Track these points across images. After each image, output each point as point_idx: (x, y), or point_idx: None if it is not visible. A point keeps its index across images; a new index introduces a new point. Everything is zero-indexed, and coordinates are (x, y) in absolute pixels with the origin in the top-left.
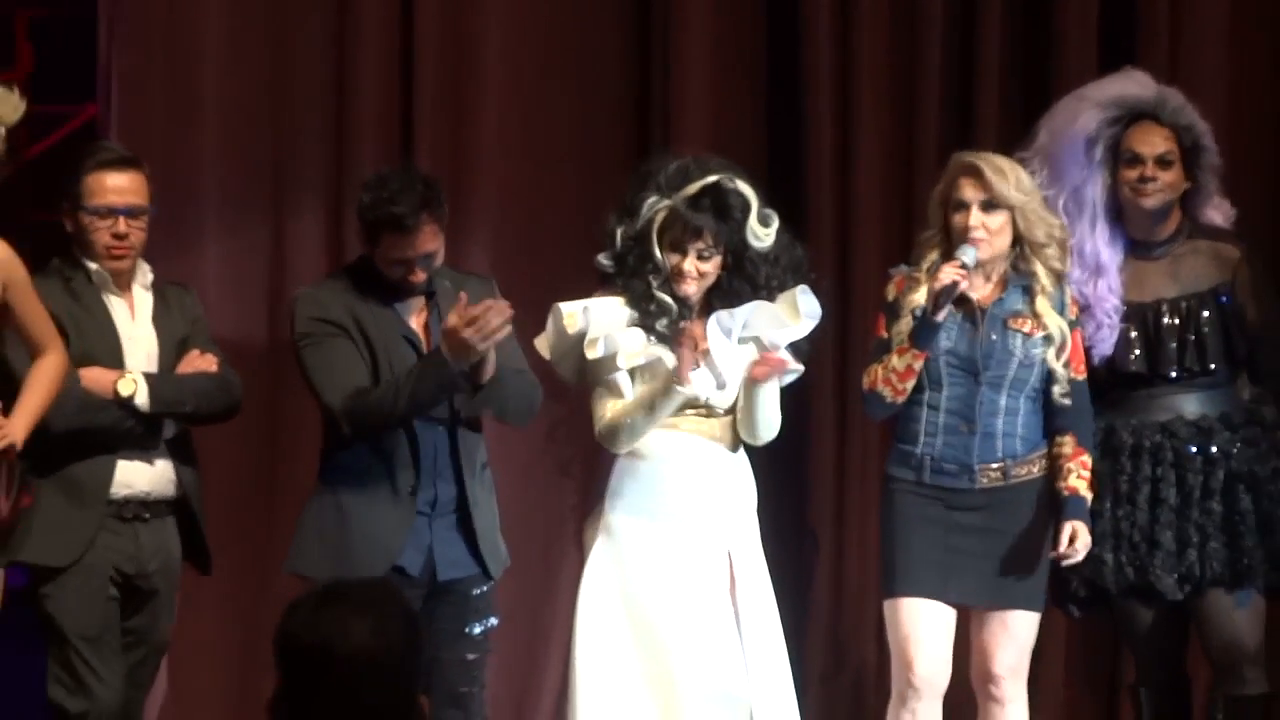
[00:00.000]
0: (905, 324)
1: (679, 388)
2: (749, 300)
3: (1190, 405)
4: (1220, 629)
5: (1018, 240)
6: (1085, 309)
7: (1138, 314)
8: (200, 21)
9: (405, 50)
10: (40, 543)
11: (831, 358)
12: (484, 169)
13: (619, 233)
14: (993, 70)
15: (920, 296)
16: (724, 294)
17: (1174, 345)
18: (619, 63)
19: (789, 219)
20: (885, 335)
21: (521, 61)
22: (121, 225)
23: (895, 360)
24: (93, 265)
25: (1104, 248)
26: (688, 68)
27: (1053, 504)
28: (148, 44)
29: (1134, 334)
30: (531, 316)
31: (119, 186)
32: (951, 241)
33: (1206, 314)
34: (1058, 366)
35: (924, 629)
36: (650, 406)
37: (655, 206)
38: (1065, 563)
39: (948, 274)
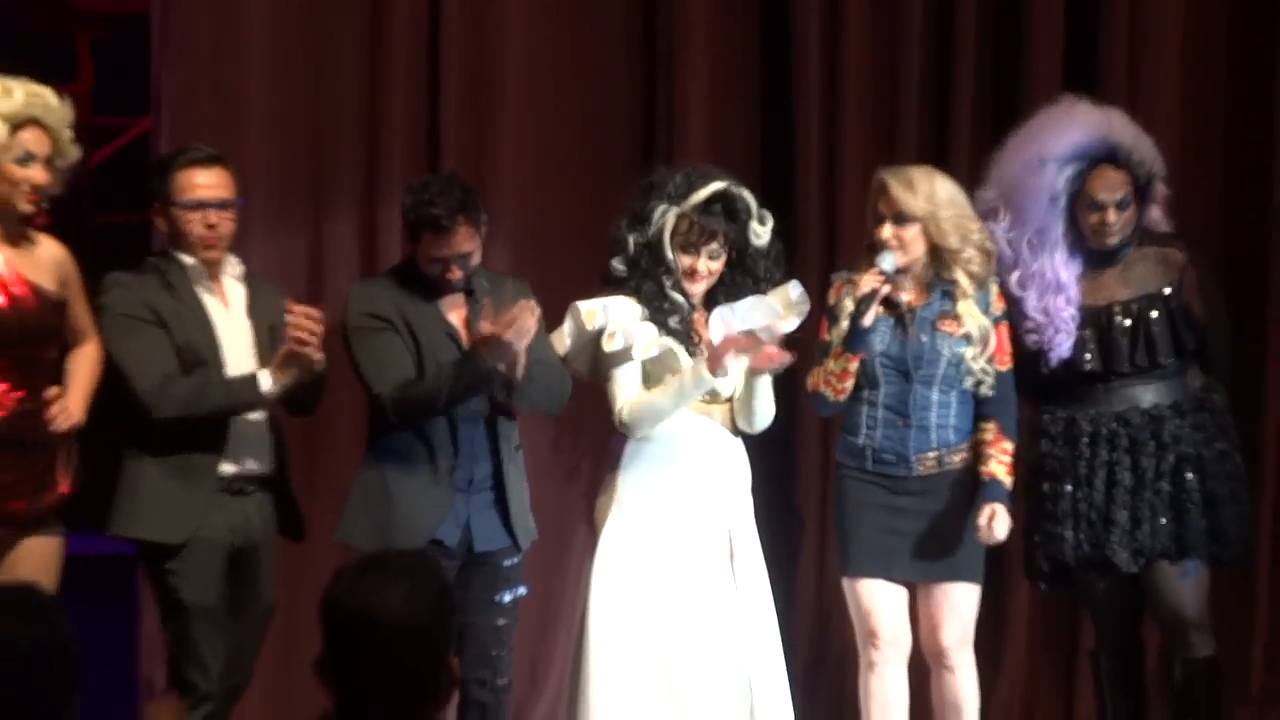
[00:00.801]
0: (843, 328)
1: (709, 376)
2: (749, 293)
3: (1144, 396)
4: (1169, 598)
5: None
6: (1046, 319)
7: (1092, 317)
8: (244, 43)
9: (432, 69)
10: (156, 520)
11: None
12: (503, 175)
13: (631, 240)
14: (966, 87)
15: (852, 302)
16: (727, 288)
17: (1126, 343)
18: (627, 79)
19: (779, 221)
20: (827, 338)
21: (537, 78)
22: (212, 217)
23: (832, 364)
24: (188, 260)
25: (1062, 269)
26: (689, 83)
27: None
28: (196, 63)
29: (1089, 337)
30: (545, 311)
31: (207, 182)
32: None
33: (1155, 314)
34: (979, 363)
35: (881, 601)
36: (679, 393)
37: (666, 214)
38: (985, 542)
39: (867, 282)
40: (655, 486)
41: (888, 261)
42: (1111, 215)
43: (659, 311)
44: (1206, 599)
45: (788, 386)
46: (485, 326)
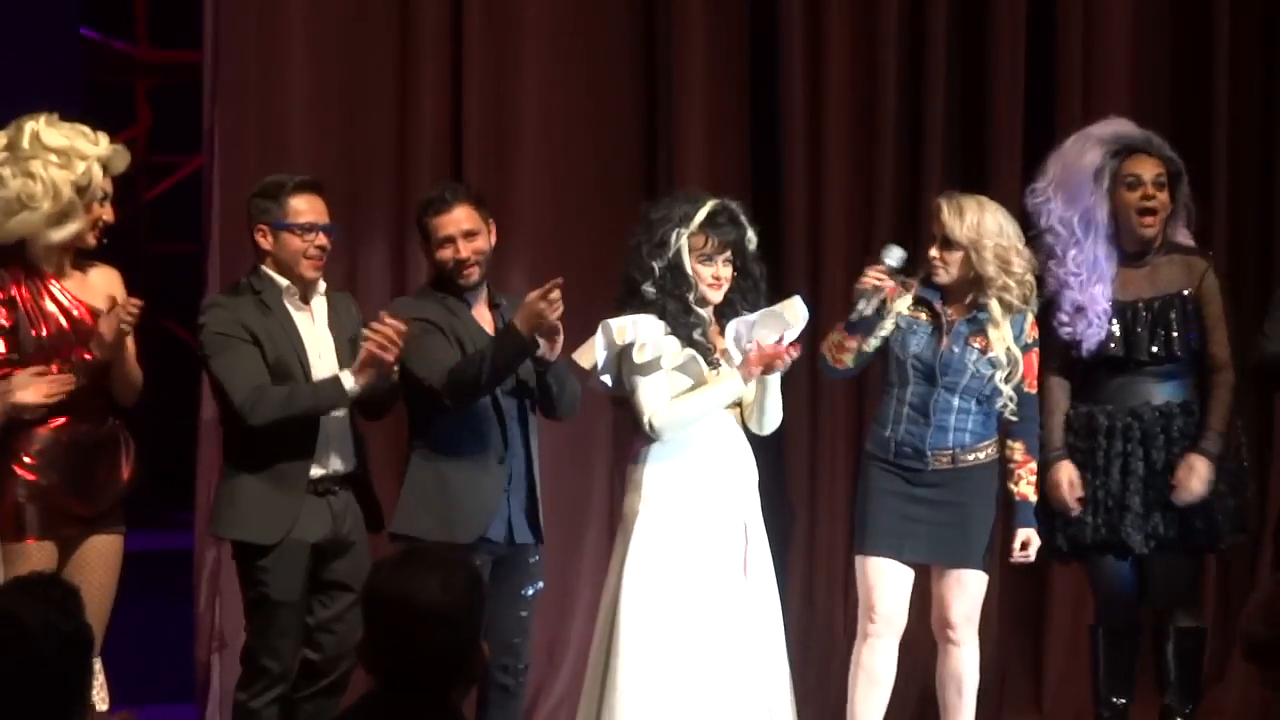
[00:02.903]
0: (859, 308)
1: (741, 384)
2: (751, 293)
3: (1156, 394)
4: (1164, 578)
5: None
6: (1079, 309)
7: (1119, 310)
8: (286, 88)
9: (455, 112)
10: (252, 523)
11: (806, 357)
12: (522, 207)
13: (655, 265)
14: (937, 114)
15: (900, 303)
16: (736, 290)
17: (1146, 334)
18: (631, 120)
19: (770, 240)
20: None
21: (551, 120)
22: (321, 238)
23: (834, 335)
24: (282, 281)
25: (1104, 259)
26: (687, 121)
27: (991, 487)
28: (243, 107)
29: (1115, 326)
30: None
31: (317, 207)
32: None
33: (1174, 313)
34: (1005, 386)
35: (885, 580)
36: (710, 400)
37: (680, 236)
38: (1019, 563)
39: (869, 278)
40: (679, 483)
41: (893, 256)
42: (1151, 190)
43: (684, 326)
44: (1197, 579)
45: (780, 389)
46: (533, 294)
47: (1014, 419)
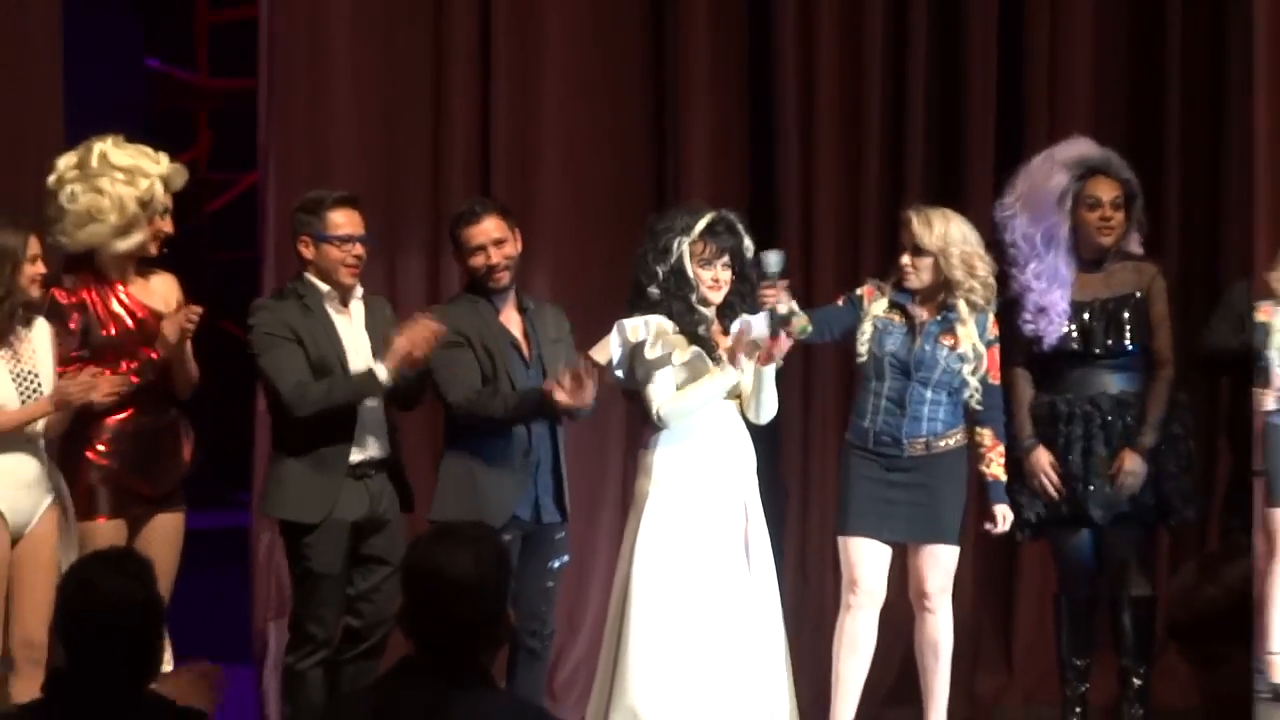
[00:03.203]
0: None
1: (733, 372)
2: (750, 296)
3: (1111, 384)
4: (1120, 551)
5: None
6: (1041, 310)
7: (1077, 309)
8: (332, 111)
9: (484, 127)
10: (298, 504)
11: (800, 351)
12: (545, 220)
13: (659, 270)
14: (917, 129)
15: (876, 306)
16: (735, 293)
17: (1101, 330)
18: (643, 137)
19: (766, 244)
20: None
21: (570, 133)
22: (358, 248)
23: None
24: (323, 286)
25: (1064, 268)
26: (691, 132)
27: (960, 470)
28: (294, 128)
29: (1072, 324)
30: (581, 327)
31: (354, 220)
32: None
33: (1127, 311)
34: (972, 379)
35: (866, 557)
36: (706, 391)
37: (682, 244)
38: (996, 533)
39: (768, 297)
40: (685, 467)
41: (772, 263)
42: (1109, 211)
43: (689, 324)
44: (1151, 552)
45: (775, 381)
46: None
47: (979, 407)
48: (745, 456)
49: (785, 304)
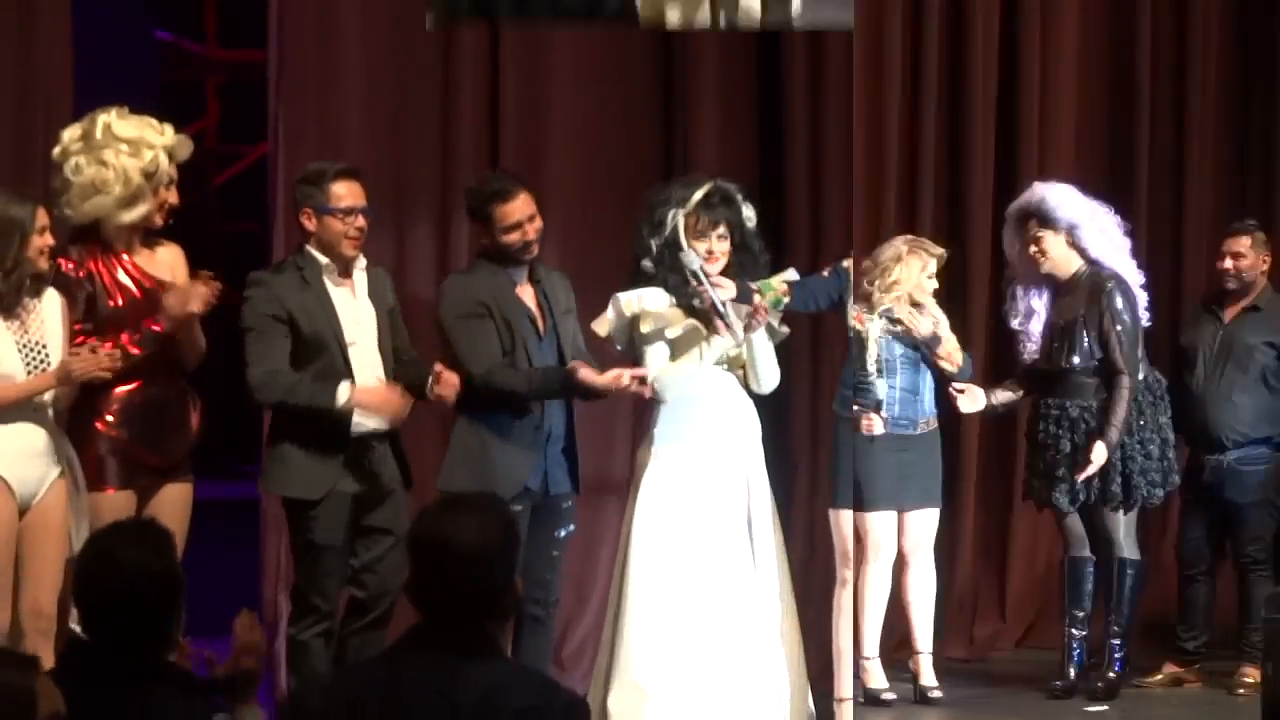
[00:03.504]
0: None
1: (718, 340)
2: (752, 266)
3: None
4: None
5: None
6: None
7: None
8: (341, 84)
9: (492, 100)
10: (299, 482)
11: (807, 329)
12: (554, 196)
13: (653, 244)
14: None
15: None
16: (737, 264)
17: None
18: (652, 119)
19: (774, 228)
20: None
21: (576, 107)
22: (360, 220)
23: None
24: (323, 260)
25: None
26: (700, 120)
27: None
28: (303, 100)
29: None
30: (588, 300)
31: (355, 192)
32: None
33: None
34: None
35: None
36: (696, 360)
37: (676, 216)
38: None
39: (706, 297)
40: (685, 438)
41: (693, 263)
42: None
43: (683, 296)
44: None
45: (784, 359)
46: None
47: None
48: (748, 427)
49: (721, 297)
